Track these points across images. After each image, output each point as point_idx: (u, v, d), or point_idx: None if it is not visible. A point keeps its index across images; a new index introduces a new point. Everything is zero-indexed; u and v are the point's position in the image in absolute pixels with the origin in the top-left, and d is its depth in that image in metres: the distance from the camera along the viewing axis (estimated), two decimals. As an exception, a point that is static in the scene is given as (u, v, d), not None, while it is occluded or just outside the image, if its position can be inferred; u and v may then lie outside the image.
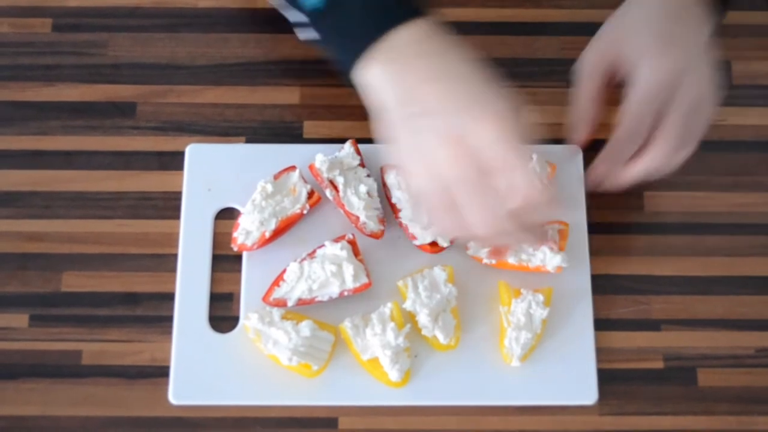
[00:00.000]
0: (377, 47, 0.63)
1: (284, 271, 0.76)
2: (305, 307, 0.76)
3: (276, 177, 0.79)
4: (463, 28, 0.85)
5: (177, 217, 0.80)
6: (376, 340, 0.74)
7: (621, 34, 0.72)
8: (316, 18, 0.67)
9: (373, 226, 0.77)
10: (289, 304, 0.75)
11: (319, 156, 0.78)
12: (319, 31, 0.68)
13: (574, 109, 0.75)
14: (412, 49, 0.63)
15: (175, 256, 0.79)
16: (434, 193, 0.64)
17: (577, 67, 0.75)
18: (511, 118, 0.61)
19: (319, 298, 0.75)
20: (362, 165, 0.79)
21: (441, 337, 0.75)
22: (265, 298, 0.76)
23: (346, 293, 0.76)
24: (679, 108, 0.70)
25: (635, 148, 0.72)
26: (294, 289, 0.75)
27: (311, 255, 0.76)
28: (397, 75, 0.63)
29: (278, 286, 0.76)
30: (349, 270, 0.75)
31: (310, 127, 0.83)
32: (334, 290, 0.75)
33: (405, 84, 0.63)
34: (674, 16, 0.71)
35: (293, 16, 0.70)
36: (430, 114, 0.61)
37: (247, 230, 0.77)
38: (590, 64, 0.74)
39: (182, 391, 0.75)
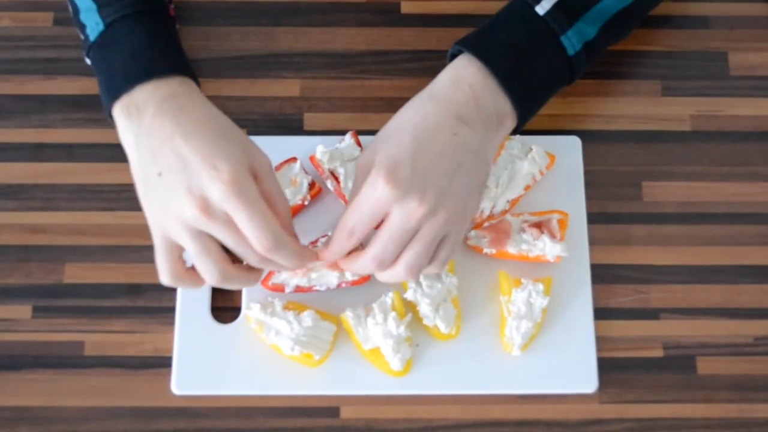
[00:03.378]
0: (128, 97, 0.65)
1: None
2: (307, 297, 0.77)
3: (277, 169, 0.79)
4: (463, 20, 0.87)
5: (179, 208, 0.80)
6: (377, 330, 0.74)
7: (378, 147, 0.66)
8: (89, 50, 0.70)
9: (374, 216, 0.78)
10: (287, 290, 0.76)
11: (320, 147, 0.79)
12: (91, 62, 0.70)
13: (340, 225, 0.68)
14: (157, 107, 0.64)
15: (177, 247, 0.79)
16: (191, 240, 0.63)
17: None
18: (235, 174, 0.61)
19: (318, 287, 0.76)
20: (363, 156, 0.80)
21: (442, 327, 0.75)
22: (264, 282, 0.76)
23: (344, 285, 0.76)
24: (420, 240, 0.65)
25: (350, 249, 0.68)
26: (293, 275, 0.76)
27: (313, 244, 0.77)
28: (140, 134, 0.64)
29: (278, 271, 0.76)
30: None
31: (310, 119, 0.84)
32: (332, 281, 0.76)
33: (146, 144, 0.64)
34: (443, 123, 0.65)
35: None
36: (169, 175, 0.62)
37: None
38: (360, 173, 0.67)
39: (185, 381, 0.75)
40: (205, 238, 0.63)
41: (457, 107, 0.67)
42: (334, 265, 0.71)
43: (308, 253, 0.66)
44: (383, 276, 0.68)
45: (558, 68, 0.70)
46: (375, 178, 0.64)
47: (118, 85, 0.66)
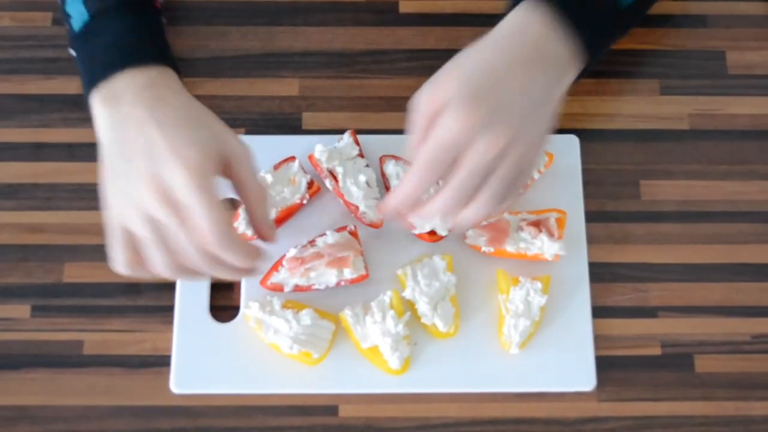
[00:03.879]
0: (107, 85, 0.65)
1: (283, 256, 0.77)
2: (305, 296, 0.77)
3: (276, 167, 0.79)
4: (461, 19, 0.87)
5: (177, 208, 0.80)
6: (376, 328, 0.74)
7: (447, 82, 0.65)
8: (74, 39, 0.70)
9: (373, 215, 0.78)
10: (286, 289, 0.76)
11: (319, 146, 0.79)
12: (75, 52, 0.70)
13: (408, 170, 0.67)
14: (134, 95, 0.64)
15: (176, 246, 0.79)
16: (140, 229, 0.64)
17: (411, 105, 0.67)
18: (199, 162, 0.62)
19: (316, 286, 0.76)
20: (361, 155, 0.80)
21: (440, 325, 0.75)
22: (262, 282, 0.76)
23: (343, 283, 0.76)
24: (501, 171, 0.64)
25: (425, 192, 0.66)
26: (291, 275, 0.76)
27: (312, 243, 0.77)
28: (114, 121, 0.64)
29: (276, 271, 0.76)
30: (348, 260, 0.76)
31: (308, 118, 0.84)
32: (331, 279, 0.76)
33: (119, 130, 0.64)
34: (513, 64, 0.65)
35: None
36: (136, 160, 0.63)
37: (247, 220, 0.78)
38: (417, 110, 0.66)
39: (183, 380, 0.75)
40: (160, 228, 0.63)
41: (527, 50, 0.66)
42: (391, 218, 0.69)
43: (256, 253, 0.66)
44: (457, 220, 0.66)
45: (613, 16, 0.70)
46: (457, 110, 0.62)
47: (98, 72, 0.66)
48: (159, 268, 0.65)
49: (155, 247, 0.63)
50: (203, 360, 0.76)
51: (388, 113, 0.84)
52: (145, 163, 0.62)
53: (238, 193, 0.66)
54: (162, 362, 0.76)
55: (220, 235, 0.62)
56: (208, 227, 0.62)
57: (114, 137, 0.65)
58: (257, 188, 0.66)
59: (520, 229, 0.78)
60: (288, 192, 0.78)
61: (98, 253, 0.79)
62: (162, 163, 0.62)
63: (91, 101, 0.66)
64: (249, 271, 0.67)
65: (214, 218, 0.62)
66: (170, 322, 0.77)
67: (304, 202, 0.79)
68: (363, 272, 0.76)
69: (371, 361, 0.75)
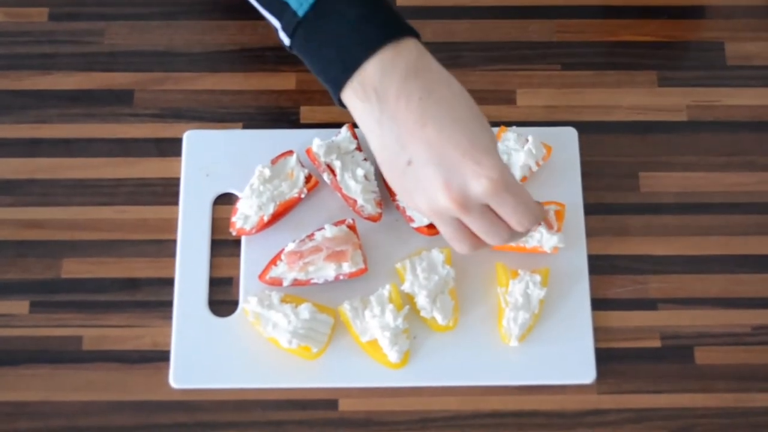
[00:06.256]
0: (360, 77, 0.59)
1: (282, 250, 0.76)
2: (304, 290, 0.77)
3: (273, 162, 0.79)
4: (458, 12, 0.87)
5: (176, 202, 0.80)
6: (375, 322, 0.74)
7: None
8: (296, 28, 0.61)
9: (371, 209, 0.78)
10: (285, 283, 0.76)
11: (316, 140, 0.79)
12: (297, 45, 0.62)
13: None
14: (398, 86, 0.58)
15: (175, 241, 0.79)
16: (441, 224, 0.64)
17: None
18: (501, 165, 0.59)
19: (315, 281, 0.76)
20: (359, 149, 0.80)
21: (439, 318, 0.75)
22: (261, 276, 0.76)
23: (341, 277, 0.76)
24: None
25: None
26: (290, 269, 0.76)
27: (310, 237, 0.77)
28: (383, 119, 0.59)
29: (275, 265, 0.76)
30: (347, 254, 0.76)
31: (306, 112, 0.84)
32: (330, 273, 0.76)
33: (393, 131, 0.59)
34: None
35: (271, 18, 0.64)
36: (421, 166, 0.59)
37: (245, 215, 0.77)
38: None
39: (183, 375, 0.75)
40: (456, 221, 0.63)
41: None
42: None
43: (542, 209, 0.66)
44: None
45: None
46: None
47: (346, 61, 0.59)
48: (458, 249, 0.65)
49: (454, 238, 0.64)
50: (202, 355, 0.76)
51: (386, 107, 0.84)
52: (435, 170, 0.59)
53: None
54: (161, 357, 0.76)
55: (530, 222, 0.62)
56: (519, 221, 0.61)
57: (386, 136, 0.59)
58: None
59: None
60: (286, 186, 0.78)
61: (96, 248, 0.79)
62: (458, 173, 0.58)
63: (344, 97, 0.60)
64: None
65: (524, 212, 0.61)
66: (169, 317, 0.77)
67: (302, 196, 0.78)
68: (361, 266, 0.76)
69: (371, 355, 0.75)
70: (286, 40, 0.63)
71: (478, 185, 0.58)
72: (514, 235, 0.65)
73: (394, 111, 0.58)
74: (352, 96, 0.60)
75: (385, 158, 0.61)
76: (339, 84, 0.60)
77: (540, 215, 0.64)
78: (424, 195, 0.60)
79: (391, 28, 0.59)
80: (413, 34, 0.61)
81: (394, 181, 0.63)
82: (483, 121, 0.61)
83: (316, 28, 0.60)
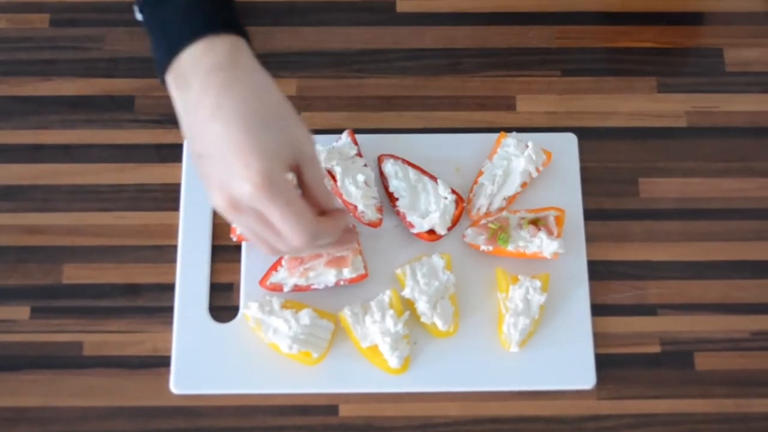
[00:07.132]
0: (178, 64, 0.60)
1: (282, 256, 0.77)
2: (305, 296, 0.77)
3: (274, 167, 0.79)
4: (458, 19, 0.87)
5: (176, 208, 0.80)
6: (375, 328, 0.74)
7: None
8: (144, 5, 0.64)
9: (371, 214, 0.78)
10: (285, 289, 0.76)
11: (317, 146, 0.79)
12: (144, 21, 0.64)
13: None
14: (203, 79, 0.59)
15: (175, 247, 0.79)
16: (228, 219, 0.62)
17: None
18: (267, 170, 0.58)
19: (315, 286, 0.76)
20: (359, 155, 0.80)
21: (440, 324, 0.75)
22: (262, 282, 0.76)
23: (342, 283, 0.76)
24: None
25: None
26: (290, 275, 0.76)
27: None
28: (186, 108, 0.60)
29: (276, 271, 0.76)
30: (347, 259, 0.76)
31: (307, 118, 0.84)
32: (330, 279, 0.76)
33: (190, 123, 0.60)
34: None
35: None
36: (205, 158, 0.60)
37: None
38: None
39: (183, 380, 0.75)
40: (243, 220, 0.61)
41: None
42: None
43: (344, 221, 0.64)
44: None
45: None
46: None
47: (169, 47, 0.60)
48: (267, 250, 0.63)
49: (257, 241, 0.62)
50: (203, 360, 0.76)
51: (385, 112, 0.84)
52: (214, 167, 0.59)
53: (303, 195, 0.63)
54: (162, 363, 0.76)
55: (302, 239, 0.60)
56: (289, 235, 0.60)
57: (186, 126, 0.61)
58: (325, 191, 0.63)
59: (519, 227, 0.78)
60: (286, 192, 0.78)
61: (97, 254, 0.80)
62: (229, 173, 0.58)
63: (167, 80, 0.61)
64: (347, 239, 0.66)
65: (293, 226, 0.59)
66: (170, 322, 0.77)
67: (303, 201, 0.79)
68: (362, 272, 0.76)
69: (371, 360, 0.75)
70: (138, 16, 0.65)
71: (241, 188, 0.58)
72: (293, 247, 0.62)
73: (195, 103, 0.59)
74: (171, 81, 0.61)
75: (187, 146, 0.63)
76: (162, 67, 0.61)
77: (320, 232, 0.62)
78: (209, 189, 0.61)
79: (215, 21, 0.60)
80: (239, 32, 0.62)
81: (195, 168, 0.63)
82: (283, 124, 0.60)
83: (157, 7, 0.62)
